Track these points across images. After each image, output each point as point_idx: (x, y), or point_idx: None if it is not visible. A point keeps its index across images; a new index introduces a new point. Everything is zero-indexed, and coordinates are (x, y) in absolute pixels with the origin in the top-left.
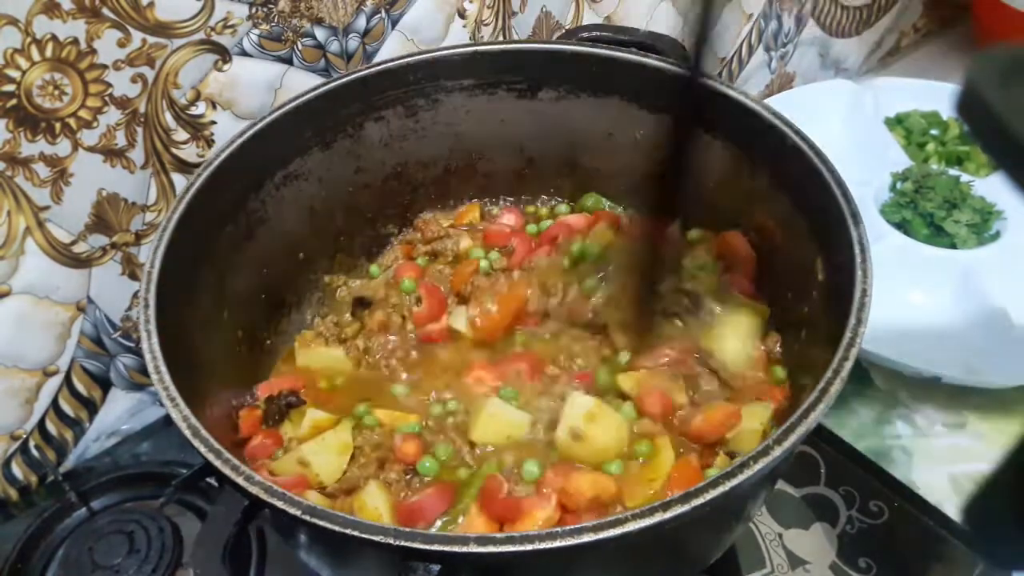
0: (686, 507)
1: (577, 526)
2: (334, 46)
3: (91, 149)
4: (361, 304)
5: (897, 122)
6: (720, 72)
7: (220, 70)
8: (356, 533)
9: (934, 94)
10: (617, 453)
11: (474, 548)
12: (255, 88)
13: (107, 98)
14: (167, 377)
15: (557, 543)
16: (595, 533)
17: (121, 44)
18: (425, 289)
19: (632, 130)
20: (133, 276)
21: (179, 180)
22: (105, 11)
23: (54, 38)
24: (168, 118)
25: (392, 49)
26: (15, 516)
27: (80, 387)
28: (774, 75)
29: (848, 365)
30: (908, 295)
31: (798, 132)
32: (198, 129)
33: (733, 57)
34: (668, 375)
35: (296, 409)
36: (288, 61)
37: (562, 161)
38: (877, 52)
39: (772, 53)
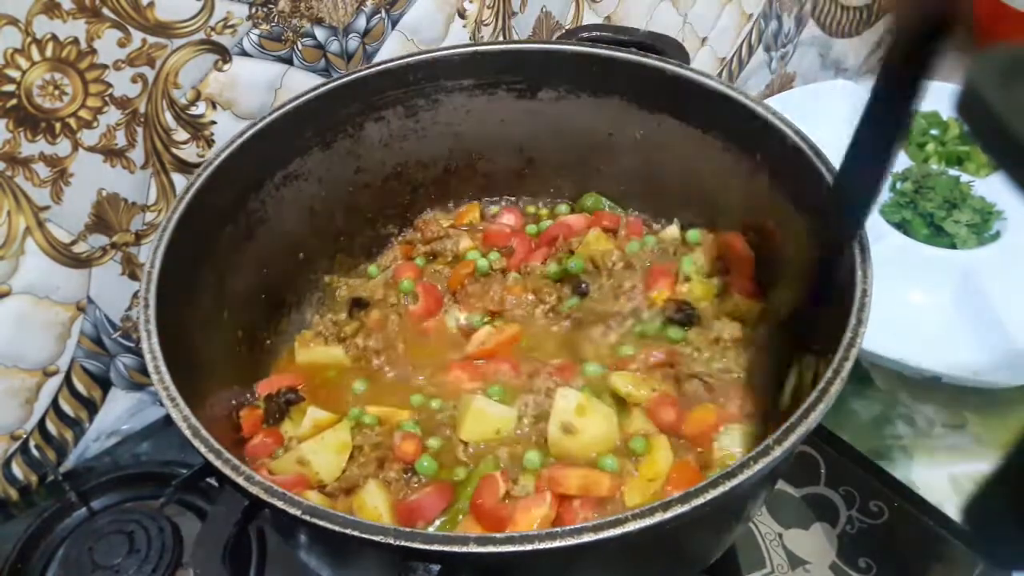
0: (686, 507)
1: (577, 526)
2: (334, 46)
3: (91, 149)
4: (358, 304)
5: None
6: (720, 72)
7: (220, 70)
8: (356, 533)
9: (934, 94)
10: (609, 447)
11: (474, 548)
12: (255, 88)
13: (107, 98)
14: (167, 377)
15: (557, 543)
16: (595, 533)
17: (121, 44)
18: (422, 287)
19: (632, 130)
20: (133, 276)
21: (179, 180)
22: (105, 11)
23: (54, 38)
24: (168, 118)
25: (392, 49)
26: (15, 516)
27: (80, 387)
28: (774, 75)
29: (848, 365)
30: (908, 295)
31: (798, 132)
32: (198, 129)
33: (733, 57)
34: (659, 376)
35: (296, 407)
36: (288, 61)
37: (562, 161)
38: (877, 52)
39: (772, 53)
